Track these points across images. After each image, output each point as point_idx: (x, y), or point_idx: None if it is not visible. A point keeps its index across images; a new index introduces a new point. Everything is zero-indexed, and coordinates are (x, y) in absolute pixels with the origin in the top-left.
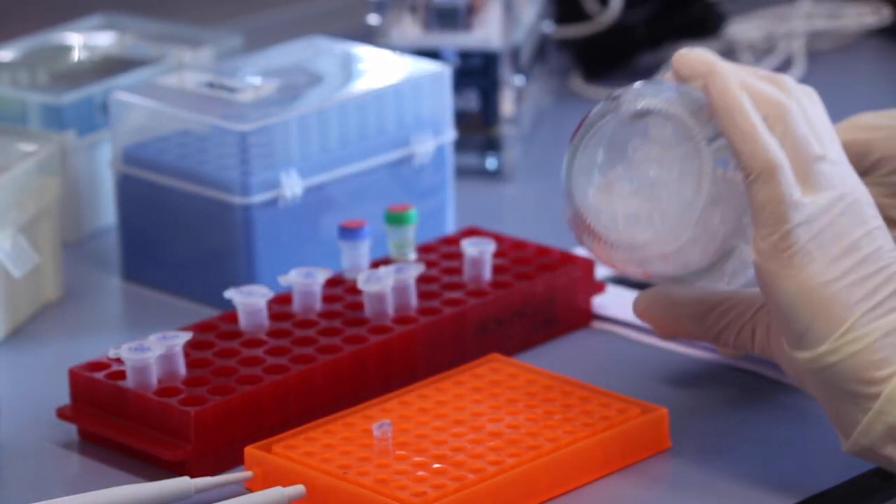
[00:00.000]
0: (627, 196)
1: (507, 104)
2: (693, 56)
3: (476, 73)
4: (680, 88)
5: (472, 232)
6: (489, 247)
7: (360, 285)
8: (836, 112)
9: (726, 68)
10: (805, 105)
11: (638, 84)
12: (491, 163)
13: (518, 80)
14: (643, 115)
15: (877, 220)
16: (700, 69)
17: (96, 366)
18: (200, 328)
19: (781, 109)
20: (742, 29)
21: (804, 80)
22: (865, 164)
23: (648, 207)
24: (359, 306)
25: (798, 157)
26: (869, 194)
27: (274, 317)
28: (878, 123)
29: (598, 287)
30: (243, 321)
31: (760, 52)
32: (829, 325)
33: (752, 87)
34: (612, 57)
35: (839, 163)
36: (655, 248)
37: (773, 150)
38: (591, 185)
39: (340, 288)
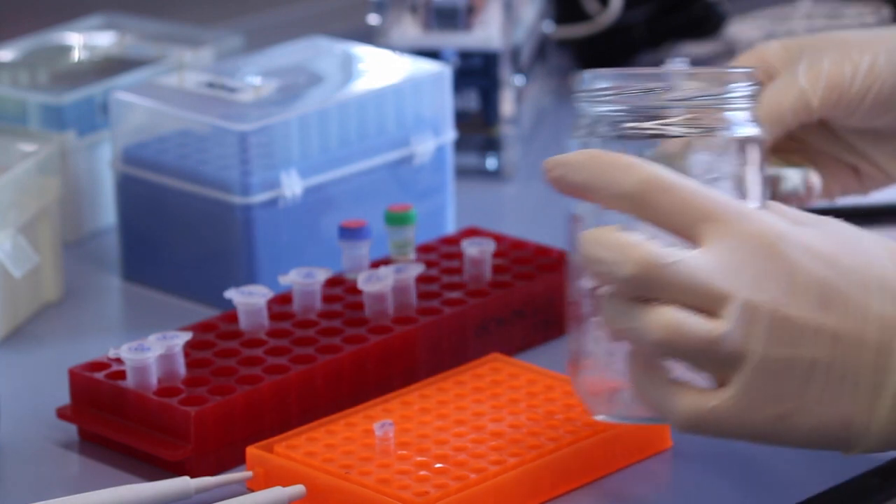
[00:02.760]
0: None
1: (507, 104)
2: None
3: (476, 73)
4: None
5: (472, 232)
6: (489, 247)
7: (360, 285)
8: None
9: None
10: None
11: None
12: (491, 163)
13: (518, 80)
14: None
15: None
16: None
17: (96, 366)
18: (200, 328)
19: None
20: (742, 29)
21: None
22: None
23: None
24: (359, 306)
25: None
26: None
27: (274, 317)
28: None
29: None
30: (243, 321)
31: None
32: None
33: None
34: (612, 57)
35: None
36: None
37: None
38: None
39: (340, 288)
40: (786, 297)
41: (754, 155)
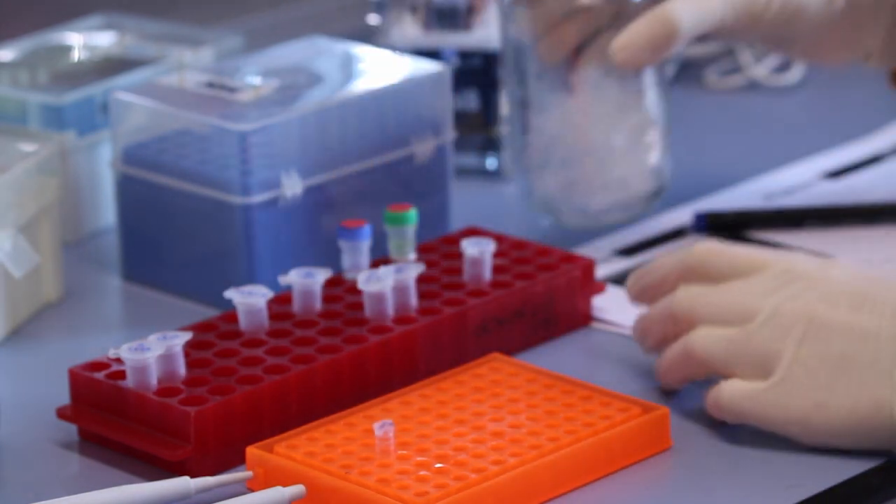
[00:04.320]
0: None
1: (507, 104)
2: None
3: (476, 73)
4: None
5: (472, 232)
6: (489, 247)
7: (360, 285)
8: (836, 111)
9: None
10: None
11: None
12: (491, 163)
13: None
14: None
15: None
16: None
17: (96, 366)
18: (200, 328)
19: None
20: None
21: (804, 80)
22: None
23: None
24: (359, 306)
25: None
26: None
27: (274, 317)
28: None
29: (598, 287)
30: (243, 321)
31: (760, 52)
32: None
33: None
34: None
35: None
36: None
37: None
38: None
39: (340, 288)
40: (818, 302)
41: None
